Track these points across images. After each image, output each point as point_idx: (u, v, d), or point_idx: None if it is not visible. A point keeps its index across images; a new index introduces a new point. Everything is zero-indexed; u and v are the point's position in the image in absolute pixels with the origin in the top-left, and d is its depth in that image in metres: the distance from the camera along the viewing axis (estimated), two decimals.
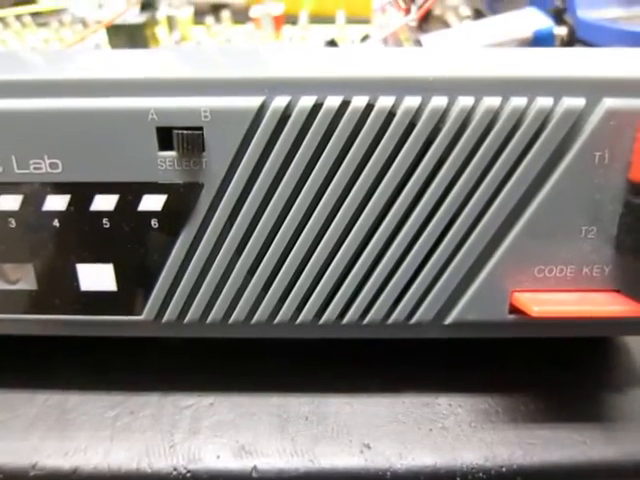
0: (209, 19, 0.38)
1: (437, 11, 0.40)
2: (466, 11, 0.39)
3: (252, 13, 0.37)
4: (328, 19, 0.39)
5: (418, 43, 0.28)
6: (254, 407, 0.17)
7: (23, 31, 0.36)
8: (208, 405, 0.17)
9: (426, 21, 0.36)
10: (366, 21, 0.37)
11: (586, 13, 0.42)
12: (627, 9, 0.44)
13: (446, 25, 0.38)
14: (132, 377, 0.18)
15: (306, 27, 0.37)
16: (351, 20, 0.38)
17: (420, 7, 0.25)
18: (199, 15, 0.39)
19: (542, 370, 0.19)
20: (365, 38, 0.27)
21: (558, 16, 0.27)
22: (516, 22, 0.27)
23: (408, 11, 0.25)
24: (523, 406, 0.18)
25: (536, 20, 0.26)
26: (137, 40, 0.32)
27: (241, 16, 0.39)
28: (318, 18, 0.39)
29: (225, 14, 0.38)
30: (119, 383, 0.18)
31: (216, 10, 0.43)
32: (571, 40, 0.26)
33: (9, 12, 0.36)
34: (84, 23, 0.37)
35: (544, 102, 0.14)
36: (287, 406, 0.17)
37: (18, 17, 0.38)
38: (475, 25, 0.28)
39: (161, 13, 0.36)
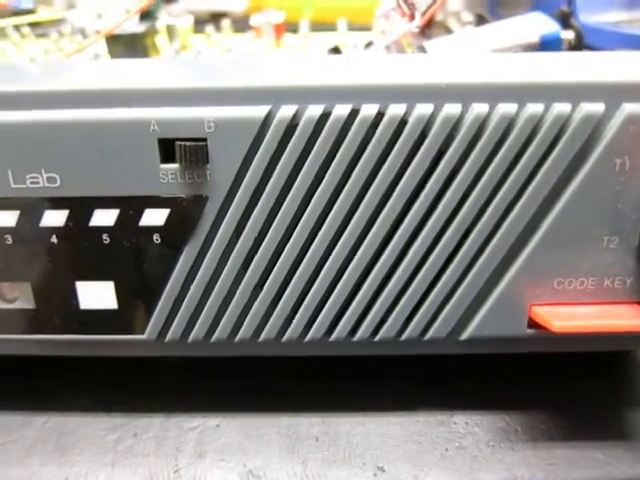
0: (209, 28, 0.37)
1: (439, 17, 0.39)
2: (468, 17, 0.39)
3: (252, 22, 0.37)
4: (329, 27, 0.38)
5: (421, 49, 0.27)
6: (262, 428, 0.17)
7: (22, 42, 0.36)
8: (214, 427, 0.17)
9: (428, 27, 0.36)
10: (368, 28, 0.36)
11: (588, 17, 0.42)
12: (629, 12, 0.44)
13: (448, 31, 0.37)
14: (134, 398, 0.17)
15: (307, 35, 0.37)
16: (352, 28, 0.38)
17: (424, 13, 0.25)
18: (199, 24, 0.38)
19: (560, 385, 0.18)
20: (369, 45, 0.26)
21: (565, 20, 0.27)
22: (522, 27, 0.26)
23: (412, 17, 0.25)
24: (542, 424, 0.17)
25: (542, 24, 0.26)
26: (137, 49, 0.31)
27: (241, 25, 0.39)
28: (319, 26, 0.39)
29: (225, 23, 0.38)
30: (121, 404, 0.17)
31: (216, 19, 0.42)
32: (579, 44, 0.26)
33: (8, 22, 0.36)
34: (83, 33, 0.37)
35: (562, 108, 0.13)
36: (297, 427, 0.17)
37: (17, 28, 0.37)
38: (480, 30, 0.27)
39: (161, 22, 0.36)
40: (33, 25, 0.38)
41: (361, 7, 0.41)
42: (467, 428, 0.17)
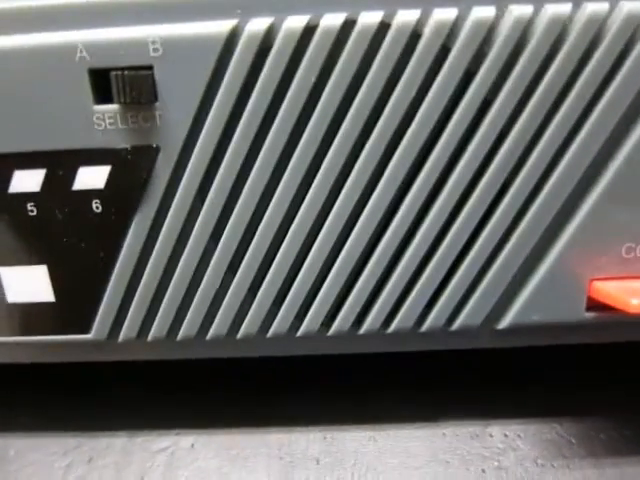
0: None
1: None
2: None
3: None
4: None
5: None
6: (247, 448, 0.14)
7: None
8: (188, 447, 0.14)
9: None
10: None
11: None
12: None
13: None
14: (91, 413, 0.15)
15: None
16: None
17: None
18: None
19: (622, 385, 0.15)
20: None
21: None
22: None
23: None
24: (603, 433, 0.14)
25: None
26: None
27: None
28: None
29: None
30: (75, 421, 0.15)
31: None
32: None
33: None
34: None
35: (633, 6, 0.10)
36: (291, 445, 0.14)
37: None
38: None
39: None
40: None
41: None
42: (507, 442, 0.14)
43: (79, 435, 0.15)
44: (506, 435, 0.14)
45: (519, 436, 0.14)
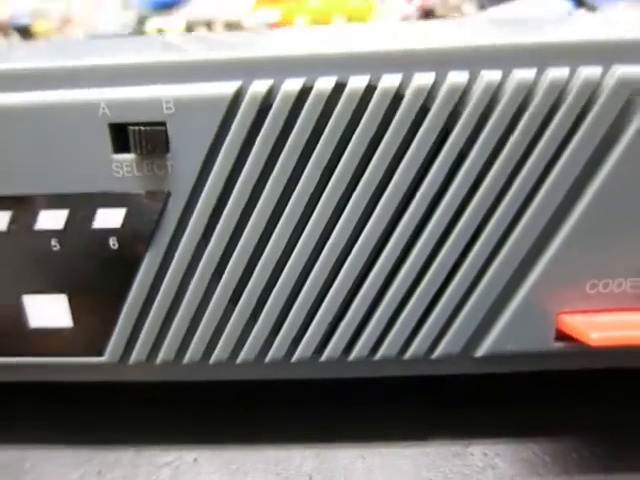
0: (201, 30, 0.36)
1: (439, 12, 0.38)
2: (470, 9, 0.37)
3: (246, 22, 0.35)
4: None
5: None
6: (247, 463, 0.15)
7: None
8: (191, 462, 0.15)
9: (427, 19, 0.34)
10: None
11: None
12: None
13: None
14: (101, 429, 0.16)
15: None
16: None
17: None
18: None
19: (595, 406, 0.16)
20: None
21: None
22: (530, 6, 0.24)
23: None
24: (575, 452, 0.15)
25: (552, 3, 0.24)
26: None
27: (234, 28, 0.38)
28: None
29: (218, 23, 0.36)
30: (85, 436, 0.16)
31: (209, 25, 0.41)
32: None
33: None
34: None
35: (590, 72, 0.12)
36: (286, 461, 0.15)
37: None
38: (484, 13, 0.25)
39: (151, 24, 0.34)
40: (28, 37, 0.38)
41: (357, 8, 0.39)
42: (486, 460, 0.15)
43: (89, 449, 0.15)
44: (485, 454, 0.15)
45: (498, 455, 0.15)
